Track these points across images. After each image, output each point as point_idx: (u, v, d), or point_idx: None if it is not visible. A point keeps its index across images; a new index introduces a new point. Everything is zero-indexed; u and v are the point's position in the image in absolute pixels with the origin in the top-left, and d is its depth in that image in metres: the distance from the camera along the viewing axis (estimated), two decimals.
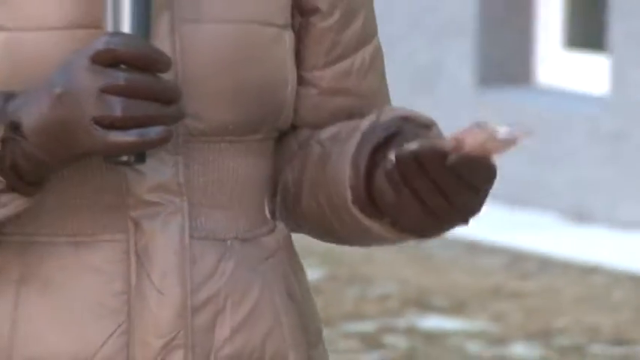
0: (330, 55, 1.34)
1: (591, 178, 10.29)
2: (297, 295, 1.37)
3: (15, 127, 1.11)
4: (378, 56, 1.40)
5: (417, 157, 1.07)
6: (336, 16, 1.34)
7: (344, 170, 1.20)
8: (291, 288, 1.36)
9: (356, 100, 1.37)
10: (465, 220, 1.15)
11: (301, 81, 1.33)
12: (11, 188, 1.13)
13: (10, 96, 1.13)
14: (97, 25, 1.14)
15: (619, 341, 8.09)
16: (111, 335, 1.22)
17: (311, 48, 1.34)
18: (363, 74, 1.37)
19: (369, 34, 1.38)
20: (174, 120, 1.11)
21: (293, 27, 1.34)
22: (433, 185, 1.09)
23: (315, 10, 1.33)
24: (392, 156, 1.11)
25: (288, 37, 1.30)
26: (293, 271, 1.37)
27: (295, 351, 1.35)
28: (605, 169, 10.24)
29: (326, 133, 1.32)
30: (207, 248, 1.26)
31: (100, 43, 1.07)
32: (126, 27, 1.11)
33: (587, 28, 10.59)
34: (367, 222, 1.19)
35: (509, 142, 0.98)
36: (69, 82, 1.08)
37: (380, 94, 1.41)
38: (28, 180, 1.13)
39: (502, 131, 0.98)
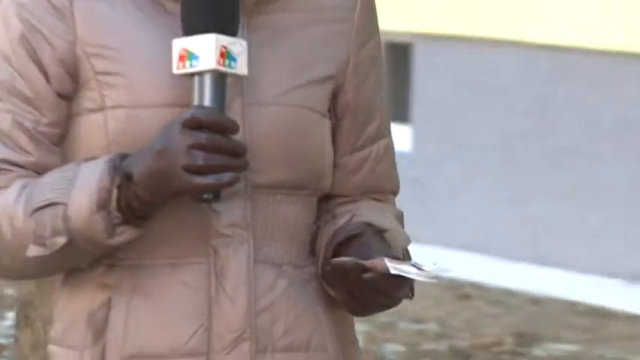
0: (354, 146, 1.67)
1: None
2: (332, 308, 1.66)
3: (128, 176, 1.41)
4: (389, 149, 1.74)
5: (343, 269, 1.46)
6: (360, 117, 1.67)
7: (321, 249, 1.64)
8: (328, 302, 1.65)
9: (370, 179, 1.71)
10: (387, 309, 1.60)
11: (333, 163, 1.67)
12: (126, 222, 1.43)
13: (124, 156, 1.44)
14: (188, 104, 1.44)
15: None
16: (196, 332, 1.53)
17: (341, 140, 1.67)
18: (377, 161, 1.70)
19: (383, 132, 1.71)
20: (240, 169, 1.42)
21: (330, 120, 1.67)
22: (350, 291, 1.50)
23: (346, 109, 1.67)
24: (331, 262, 1.52)
25: (327, 123, 1.62)
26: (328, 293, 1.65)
27: (332, 346, 1.64)
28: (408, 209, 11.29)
29: (336, 210, 1.70)
30: (266, 270, 1.57)
31: (188, 114, 1.39)
32: (207, 102, 1.44)
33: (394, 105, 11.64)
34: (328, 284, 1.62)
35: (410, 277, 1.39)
36: (166, 141, 1.39)
37: (388, 178, 1.77)
38: (138, 215, 1.44)
39: (404, 269, 1.38)
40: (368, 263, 1.41)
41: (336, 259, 1.53)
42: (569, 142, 10.79)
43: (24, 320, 4.89)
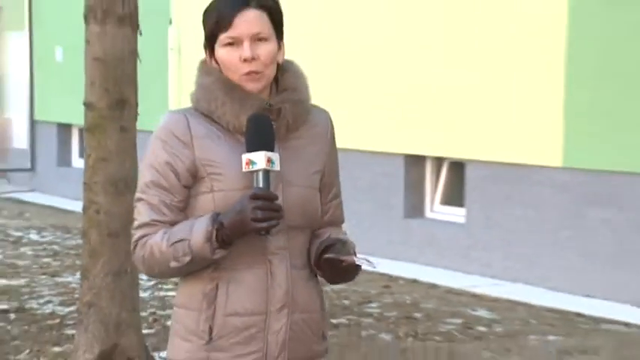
0: (325, 201, 2.79)
1: None
2: (318, 286, 2.77)
3: (221, 224, 2.41)
4: (341, 203, 2.91)
5: (331, 261, 2.51)
6: (328, 188, 2.81)
7: (312, 252, 2.64)
8: (317, 283, 2.76)
9: (332, 217, 2.83)
10: (348, 281, 2.70)
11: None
12: (220, 247, 2.44)
13: (218, 214, 2.46)
14: (251, 187, 2.48)
15: None
16: (260, 302, 2.61)
17: (323, 200, 2.78)
18: (336, 209, 2.86)
19: (338, 194, 2.88)
20: (280, 217, 2.41)
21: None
22: (334, 272, 2.56)
23: (323, 184, 2.78)
24: (324, 257, 2.53)
25: (318, 194, 2.73)
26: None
27: (320, 309, 2.76)
28: None
29: (317, 232, 2.75)
30: (294, 272, 2.63)
31: (252, 191, 2.39)
32: (261, 185, 2.43)
33: None
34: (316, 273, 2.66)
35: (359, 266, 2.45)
36: (241, 206, 2.40)
37: (341, 217, 2.94)
38: (226, 243, 2.44)
39: (360, 261, 2.43)
40: (343, 258, 2.54)
41: (327, 255, 2.58)
42: None
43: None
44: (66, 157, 17.01)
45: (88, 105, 6.39)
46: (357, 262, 2.54)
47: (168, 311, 8.05)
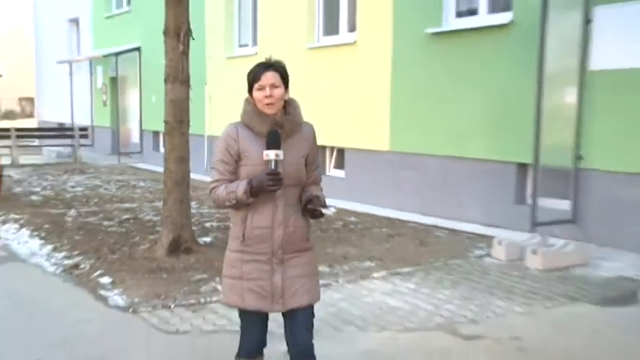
0: (311, 169, 3.49)
1: None
2: (307, 222, 3.48)
3: (251, 186, 3.23)
4: (319, 171, 3.58)
5: (313, 208, 3.34)
6: (312, 163, 3.50)
7: (301, 200, 3.41)
8: (305, 219, 3.45)
9: (314, 179, 3.54)
10: (319, 218, 3.41)
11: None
12: (251, 196, 3.24)
13: (251, 180, 3.23)
14: (266, 167, 3.23)
15: None
16: (267, 221, 3.32)
17: (307, 169, 3.44)
18: (317, 174, 3.56)
19: (318, 162, 3.57)
20: (281, 184, 3.22)
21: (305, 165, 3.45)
22: (311, 214, 3.39)
23: (309, 161, 3.46)
24: (307, 207, 3.35)
25: (304, 167, 3.43)
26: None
27: (308, 235, 3.50)
28: None
29: (305, 188, 3.43)
30: (288, 208, 3.35)
31: (268, 171, 3.21)
32: (272, 167, 3.20)
33: None
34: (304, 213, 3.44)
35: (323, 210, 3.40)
36: (262, 177, 3.21)
37: (319, 178, 3.57)
38: (254, 195, 3.24)
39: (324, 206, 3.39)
40: (316, 208, 3.30)
41: (308, 206, 3.30)
42: None
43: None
44: (156, 146, 18.88)
45: (166, 122, 8.12)
46: (323, 211, 3.25)
47: (204, 221, 9.44)
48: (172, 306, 6.17)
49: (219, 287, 6.57)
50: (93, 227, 9.75)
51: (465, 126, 10.25)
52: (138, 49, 18.86)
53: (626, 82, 8.36)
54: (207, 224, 10.10)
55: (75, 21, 24.30)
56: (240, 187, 3.17)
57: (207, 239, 8.96)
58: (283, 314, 3.40)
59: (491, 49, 9.85)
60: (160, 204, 9.33)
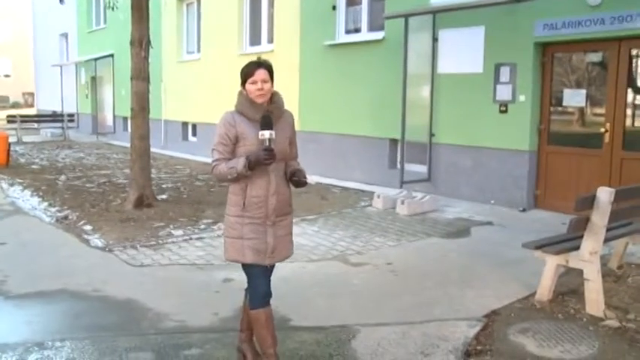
0: (292, 147, 3.20)
1: None
2: (289, 190, 3.18)
3: (249, 159, 2.92)
4: (296, 149, 3.26)
5: (297, 179, 3.08)
6: (294, 140, 3.21)
7: (287, 173, 3.12)
8: (289, 188, 3.18)
9: (294, 154, 3.23)
10: (303, 186, 3.09)
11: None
12: (249, 170, 2.92)
13: (249, 155, 2.92)
14: (261, 145, 2.92)
15: None
16: (262, 191, 3.01)
17: (290, 147, 3.15)
18: (295, 148, 3.24)
19: (295, 141, 3.25)
20: (274, 159, 2.93)
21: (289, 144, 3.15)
22: (295, 184, 3.11)
23: (290, 142, 3.15)
24: (292, 179, 3.10)
25: (289, 146, 3.14)
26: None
27: (291, 210, 3.20)
28: None
29: (289, 164, 3.14)
30: (278, 180, 3.07)
31: (263, 147, 2.91)
32: (267, 144, 2.90)
33: None
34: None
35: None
36: (258, 153, 2.91)
37: (296, 154, 3.27)
38: (251, 169, 2.93)
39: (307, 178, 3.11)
40: (300, 179, 3.07)
41: (293, 178, 3.08)
42: None
43: None
44: (126, 127, 17.11)
45: (132, 109, 8.02)
46: (306, 181, 3.07)
47: (161, 183, 9.01)
48: (138, 246, 6.08)
49: (174, 232, 6.60)
50: (78, 188, 9.59)
51: (353, 112, 10.22)
52: (112, 55, 18.74)
53: (461, 83, 8.58)
54: (164, 185, 9.96)
55: (65, 35, 24.31)
56: (240, 162, 2.91)
57: (164, 196, 8.84)
58: None
59: (371, 57, 9.85)
60: (128, 171, 9.18)
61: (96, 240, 6.31)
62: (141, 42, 7.85)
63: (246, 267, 3.14)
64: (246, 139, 2.96)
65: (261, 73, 2.99)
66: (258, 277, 3.11)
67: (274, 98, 3.07)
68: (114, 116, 19.17)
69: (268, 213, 3.02)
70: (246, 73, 3.02)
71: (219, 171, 2.97)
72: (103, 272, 5.23)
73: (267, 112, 2.97)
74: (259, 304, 3.12)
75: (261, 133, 2.91)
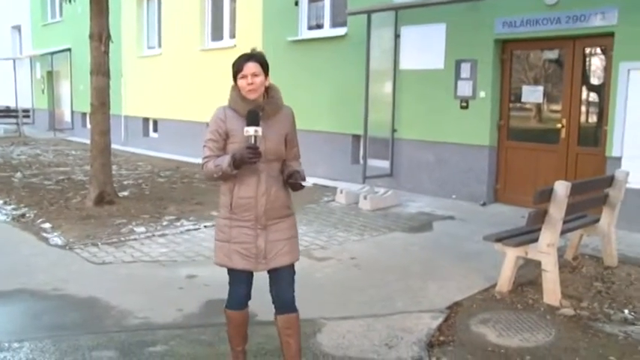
0: (291, 147, 2.98)
1: None
2: (288, 191, 2.95)
3: (235, 158, 2.71)
4: (298, 149, 3.03)
5: (295, 180, 2.81)
6: (291, 142, 2.98)
7: (283, 173, 2.88)
8: (287, 189, 2.94)
9: (294, 155, 3.01)
10: (299, 190, 2.84)
11: (285, 153, 2.93)
12: (234, 169, 2.73)
13: (235, 154, 2.71)
14: (247, 142, 2.70)
15: None
16: (252, 191, 2.84)
17: (287, 147, 2.94)
18: (296, 151, 3.02)
19: (296, 144, 3.03)
20: (259, 157, 2.70)
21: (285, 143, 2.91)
22: (292, 187, 2.85)
23: (288, 140, 2.93)
24: (289, 180, 2.83)
25: (284, 145, 2.91)
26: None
27: (289, 202, 2.97)
28: None
29: (286, 164, 2.92)
30: (270, 180, 2.86)
31: (247, 145, 2.69)
32: (252, 142, 2.69)
33: None
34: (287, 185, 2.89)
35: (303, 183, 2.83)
36: (242, 151, 2.70)
37: (298, 154, 3.03)
38: (237, 167, 2.73)
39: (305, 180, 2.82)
40: (297, 182, 2.81)
41: (290, 180, 2.84)
42: None
43: None
44: (85, 123, 17.01)
45: (91, 104, 7.86)
46: (303, 184, 2.83)
47: (122, 180, 8.81)
48: (99, 243, 6.00)
49: (136, 229, 6.53)
50: (35, 186, 9.34)
51: (316, 108, 10.14)
52: (69, 49, 18.23)
53: (422, 79, 8.67)
54: (125, 182, 9.82)
55: (17, 27, 23.54)
56: (225, 161, 2.75)
57: (125, 193, 8.73)
58: (268, 272, 2.97)
59: (333, 53, 9.84)
60: (88, 167, 9.09)
61: (55, 238, 6.18)
62: (100, 36, 7.70)
63: (230, 271, 2.99)
64: (235, 135, 2.82)
65: (250, 67, 2.81)
66: (240, 282, 2.99)
67: (271, 93, 2.91)
68: (72, 112, 18.79)
69: (258, 215, 2.85)
70: (236, 67, 2.86)
71: (207, 169, 2.83)
72: (64, 271, 5.13)
73: (256, 108, 2.81)
74: (236, 306, 3.05)
75: (245, 129, 2.74)
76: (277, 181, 2.88)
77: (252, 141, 2.72)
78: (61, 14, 19.14)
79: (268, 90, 2.89)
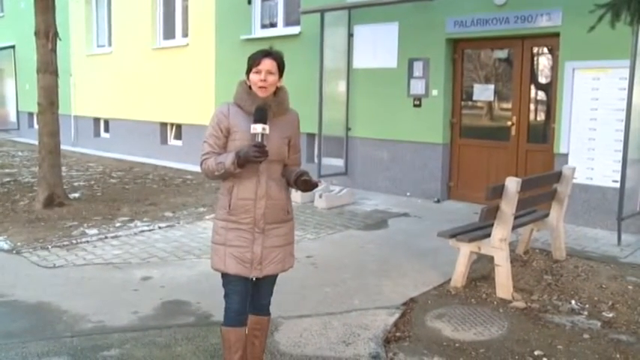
0: (294, 152, 2.87)
1: None
2: (288, 194, 2.86)
3: (239, 156, 2.59)
4: (300, 155, 2.92)
5: (304, 180, 2.70)
6: (294, 147, 2.87)
7: (289, 179, 2.78)
8: (288, 192, 2.87)
9: (296, 161, 2.90)
10: (309, 191, 2.78)
11: (288, 157, 2.83)
12: (238, 167, 2.62)
13: (239, 151, 2.60)
14: (253, 140, 2.61)
15: None
16: (251, 194, 2.73)
17: (290, 151, 2.83)
18: (298, 157, 2.91)
19: (299, 146, 2.92)
20: (265, 156, 2.59)
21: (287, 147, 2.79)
22: (304, 187, 2.72)
23: (291, 145, 2.83)
24: (298, 181, 2.70)
25: (287, 147, 2.80)
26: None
27: (289, 207, 2.87)
28: None
29: (288, 168, 2.82)
30: (270, 182, 2.76)
31: (254, 143, 2.59)
32: (259, 139, 2.59)
33: None
34: (291, 187, 2.80)
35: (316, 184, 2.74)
36: (248, 149, 2.58)
37: (300, 160, 2.92)
38: (240, 166, 2.62)
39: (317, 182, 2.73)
40: (312, 180, 2.74)
41: (303, 178, 2.73)
42: None
43: None
44: (32, 124, 16.83)
45: (39, 104, 7.61)
46: (314, 181, 2.77)
47: (73, 181, 8.56)
48: (50, 247, 5.83)
49: (88, 231, 6.40)
50: None
51: None
52: (13, 46, 17.62)
53: (376, 77, 8.78)
54: (76, 183, 9.60)
55: None
56: (228, 158, 2.63)
57: (76, 195, 8.54)
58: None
59: (287, 52, 8.73)
60: (36, 169, 8.86)
61: (1, 242, 5.97)
62: (47, 33, 7.47)
63: (224, 277, 2.84)
64: (237, 132, 2.71)
65: (267, 63, 2.72)
66: (236, 292, 2.82)
67: (279, 93, 2.81)
68: (17, 112, 18.21)
69: (256, 219, 2.73)
70: (253, 60, 2.76)
71: (208, 166, 2.71)
72: (11, 276, 4.96)
73: (265, 104, 2.71)
74: (231, 321, 2.85)
75: (252, 126, 2.63)
76: (277, 184, 2.79)
77: (259, 139, 2.62)
78: (2, 9, 18.48)
79: (277, 91, 2.81)
